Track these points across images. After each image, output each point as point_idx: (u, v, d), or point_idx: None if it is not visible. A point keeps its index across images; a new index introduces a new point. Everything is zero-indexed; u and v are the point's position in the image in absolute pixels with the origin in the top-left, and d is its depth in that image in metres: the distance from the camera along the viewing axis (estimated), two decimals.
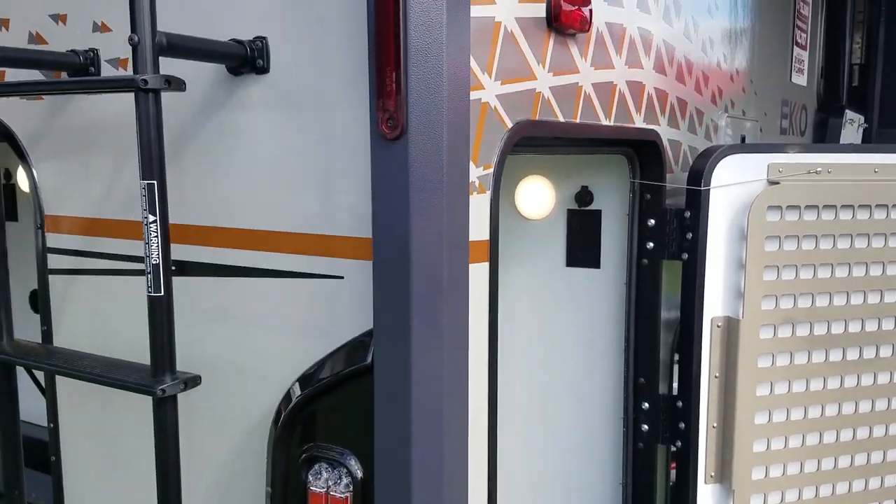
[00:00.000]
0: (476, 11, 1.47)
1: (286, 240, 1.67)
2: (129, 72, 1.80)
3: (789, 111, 4.04)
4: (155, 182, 1.44)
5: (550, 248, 2.60)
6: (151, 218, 1.45)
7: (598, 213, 2.54)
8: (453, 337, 1.50)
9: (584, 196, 2.55)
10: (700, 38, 2.67)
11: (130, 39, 1.40)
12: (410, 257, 1.44)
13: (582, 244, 2.58)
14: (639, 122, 2.27)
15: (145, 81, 1.39)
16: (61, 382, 2.07)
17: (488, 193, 1.57)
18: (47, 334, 2.07)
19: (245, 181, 1.69)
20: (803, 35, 4.16)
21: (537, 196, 2.57)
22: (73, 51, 1.87)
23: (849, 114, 4.82)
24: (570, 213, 2.58)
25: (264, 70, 1.63)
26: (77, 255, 1.99)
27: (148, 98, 1.41)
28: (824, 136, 4.74)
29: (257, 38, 1.62)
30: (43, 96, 1.95)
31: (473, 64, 1.48)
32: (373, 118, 1.44)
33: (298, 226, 1.64)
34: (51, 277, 2.03)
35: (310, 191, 1.61)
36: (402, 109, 1.40)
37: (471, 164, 1.50)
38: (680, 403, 2.34)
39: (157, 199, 1.44)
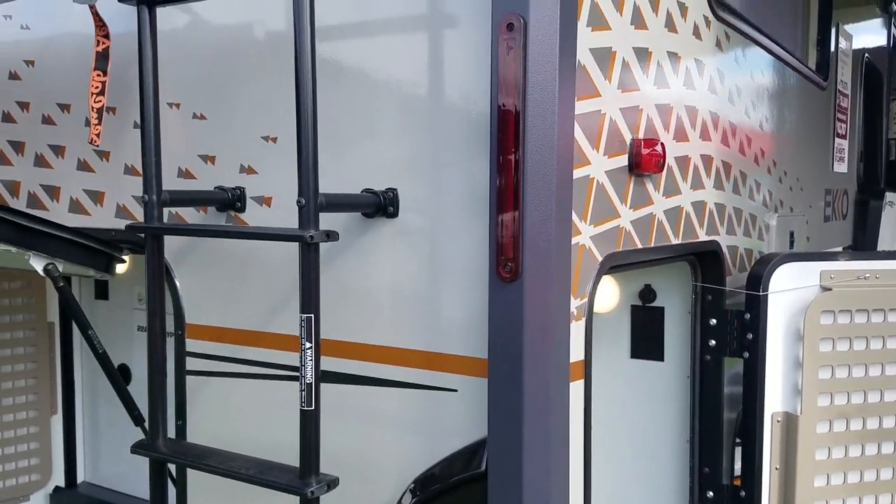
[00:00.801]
0: (577, 174, 1.76)
1: (408, 355, 1.94)
2: (272, 209, 2.13)
3: (832, 199, 4.27)
4: (312, 315, 1.73)
5: (616, 341, 2.84)
6: (308, 345, 1.73)
7: (661, 309, 2.79)
8: (557, 445, 1.75)
9: (648, 293, 2.80)
10: (753, 151, 2.95)
11: (298, 202, 1.71)
12: (523, 378, 1.70)
13: (646, 338, 2.82)
14: (701, 235, 2.53)
15: (312, 237, 1.69)
16: (192, 474, 2.34)
17: (584, 320, 1.84)
18: (181, 429, 2.35)
19: (373, 304, 1.98)
20: (843, 126, 4.42)
21: (604, 293, 2.83)
22: (220, 187, 2.20)
23: (889, 196, 5.03)
24: (634, 308, 2.83)
25: (394, 215, 1.93)
26: (212, 359, 2.29)
27: (310, 249, 1.71)
28: (865, 216, 4.95)
29: (389, 189, 1.93)
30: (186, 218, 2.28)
31: (574, 215, 1.76)
32: (491, 262, 1.72)
33: (419, 344, 1.92)
34: (188, 378, 2.33)
35: (429, 314, 1.89)
36: (518, 258, 1.68)
37: (571, 297, 1.78)
38: (743, 493, 2.54)
39: (314, 330, 1.73)
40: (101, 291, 3.99)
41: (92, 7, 2.22)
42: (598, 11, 1.82)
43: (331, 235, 1.75)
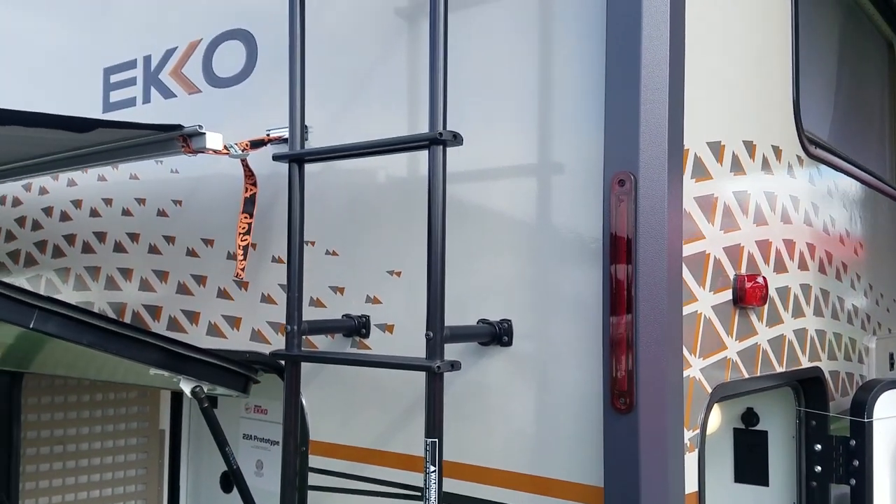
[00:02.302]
0: (686, 310, 1.89)
1: (521, 479, 2.05)
2: (394, 335, 2.32)
3: None
4: (437, 440, 1.88)
5: (719, 464, 2.85)
6: (432, 468, 1.87)
7: (764, 434, 2.80)
8: None
9: (750, 417, 2.83)
10: (849, 276, 3.01)
11: (427, 335, 1.89)
12: None
13: (750, 462, 2.83)
14: (804, 361, 2.58)
15: (438, 367, 1.86)
16: None
17: (696, 452, 1.92)
18: None
19: (488, 428, 2.11)
20: None
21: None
22: (347, 315, 2.42)
23: None
24: (737, 432, 2.85)
25: (508, 344, 2.09)
26: (334, 475, 2.44)
27: (436, 377, 1.87)
28: None
29: (504, 319, 2.10)
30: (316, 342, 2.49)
31: (685, 350, 1.88)
32: (606, 395, 1.85)
33: (533, 469, 2.03)
34: (310, 493, 2.48)
35: (543, 440, 2.01)
36: (633, 391, 1.80)
37: (684, 429, 1.87)
38: None
39: (438, 454, 1.87)
40: (211, 400, 4.25)
41: (244, 160, 2.54)
42: (701, 164, 2.00)
43: (455, 365, 1.91)
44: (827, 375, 2.71)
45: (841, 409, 2.74)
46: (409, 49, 2.37)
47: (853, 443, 2.58)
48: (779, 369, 2.39)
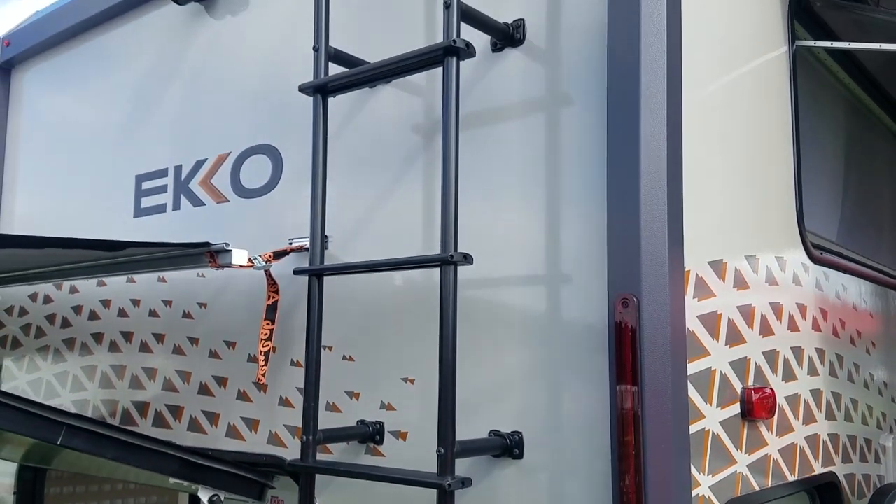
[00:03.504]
0: (693, 429, 1.94)
1: None
2: (407, 442, 2.37)
3: None
4: None
5: None
6: None
7: None
8: None
9: None
10: (861, 376, 3.02)
11: (438, 451, 1.94)
12: None
13: None
14: (817, 467, 2.59)
15: (450, 485, 1.90)
16: None
17: None
18: None
19: None
20: None
21: None
22: (362, 421, 2.48)
23: None
24: None
25: (519, 456, 2.13)
26: None
27: (446, 496, 1.92)
28: None
29: (514, 431, 2.15)
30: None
31: (693, 469, 1.92)
32: None
33: None
34: None
35: None
36: None
37: None
38: None
39: None
40: None
41: (266, 271, 2.66)
42: (703, 283, 2.07)
43: (465, 482, 1.96)
44: (842, 479, 2.70)
45: None
46: (425, 163, 2.49)
47: None
48: (791, 478, 2.40)
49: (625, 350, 1.89)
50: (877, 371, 3.21)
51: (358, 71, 2.31)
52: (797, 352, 2.53)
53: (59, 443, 1.95)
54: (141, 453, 2.09)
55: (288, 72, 2.87)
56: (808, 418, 2.56)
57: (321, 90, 2.37)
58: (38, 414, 1.93)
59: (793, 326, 2.52)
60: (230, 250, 2.46)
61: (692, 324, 2.00)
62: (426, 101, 2.51)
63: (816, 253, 2.75)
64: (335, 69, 2.40)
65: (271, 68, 2.96)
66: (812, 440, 2.57)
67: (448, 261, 2.00)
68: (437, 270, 2.34)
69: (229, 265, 2.48)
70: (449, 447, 1.94)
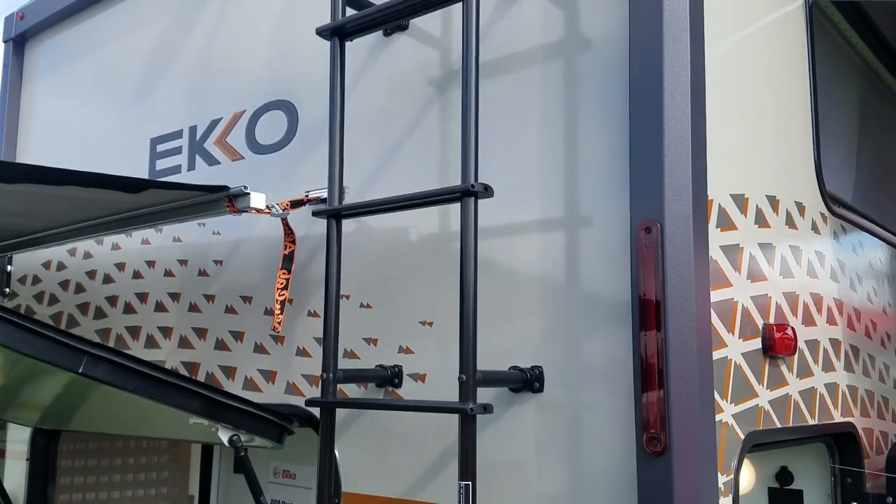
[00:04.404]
0: (716, 355, 1.93)
1: None
2: (426, 384, 2.37)
3: None
4: (470, 483, 1.90)
5: None
6: None
7: (799, 493, 2.76)
8: None
9: (785, 476, 2.80)
10: (879, 335, 3.01)
11: (460, 378, 1.94)
12: None
13: None
14: (836, 416, 2.57)
15: (472, 409, 1.90)
16: None
17: (730, 497, 1.92)
18: None
19: (519, 474, 2.13)
20: None
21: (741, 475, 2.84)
22: (380, 366, 2.47)
23: None
24: (772, 491, 2.81)
25: (539, 390, 2.13)
26: None
27: (469, 420, 1.91)
28: None
29: (534, 366, 2.15)
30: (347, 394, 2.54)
31: (716, 394, 1.91)
32: (639, 437, 1.87)
33: None
34: None
35: (575, 485, 2.02)
36: (666, 433, 1.82)
37: (718, 472, 1.88)
38: None
39: (471, 497, 1.89)
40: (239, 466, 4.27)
41: (284, 219, 2.66)
42: (726, 214, 2.07)
43: (487, 408, 1.95)
44: (860, 432, 2.68)
45: (876, 467, 2.70)
46: (439, 117, 2.50)
47: (890, 500, 2.54)
48: (811, 421, 2.39)
49: (648, 275, 1.89)
50: (893, 332, 3.20)
51: (375, 10, 2.32)
52: (816, 298, 2.52)
53: (80, 371, 1.95)
54: (162, 387, 2.09)
55: (302, 26, 2.88)
56: (828, 366, 2.55)
57: (338, 33, 2.38)
58: (60, 341, 1.93)
59: (812, 273, 2.52)
60: (248, 193, 2.46)
61: (715, 252, 2.00)
62: (441, 50, 2.52)
63: (834, 206, 2.75)
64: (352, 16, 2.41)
65: (285, 24, 2.98)
66: (832, 388, 2.56)
67: (469, 191, 2.00)
68: (452, 213, 2.37)
69: (247, 209, 2.49)
70: (470, 374, 1.93)
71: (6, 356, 2.18)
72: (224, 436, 2.27)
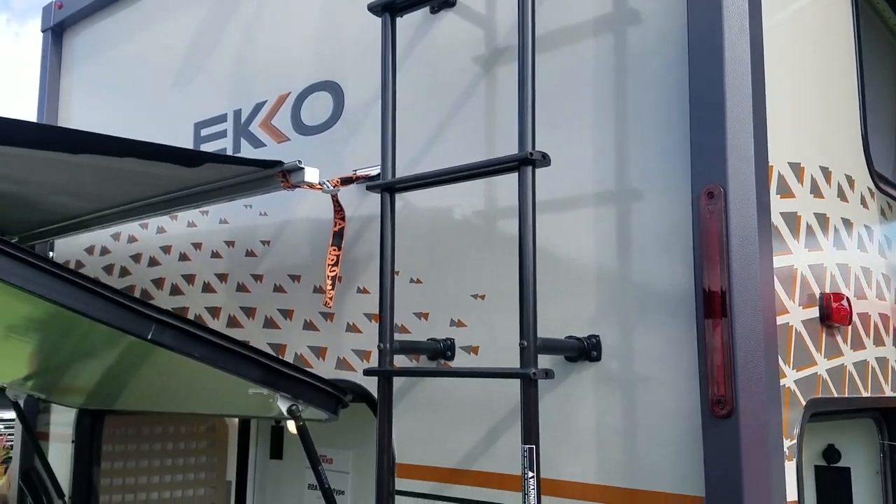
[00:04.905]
0: (779, 320, 1.94)
1: (614, 493, 2.06)
2: (479, 356, 2.39)
3: None
4: (534, 446, 1.92)
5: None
6: (530, 474, 1.91)
7: (847, 470, 2.76)
8: None
9: (832, 454, 2.80)
10: None
11: (521, 344, 1.95)
12: None
13: (833, 500, 2.78)
14: (887, 390, 2.57)
15: (534, 374, 1.92)
16: None
17: (794, 461, 1.93)
18: None
19: (576, 442, 2.14)
20: None
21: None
22: (433, 339, 2.50)
23: None
24: (819, 469, 2.81)
25: (597, 359, 2.14)
26: (419, 497, 2.47)
27: (531, 385, 1.93)
28: None
29: (591, 335, 2.16)
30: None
31: (780, 360, 1.92)
32: (703, 400, 1.88)
33: (625, 481, 2.04)
34: None
35: (639, 454, 2.03)
36: (731, 395, 1.84)
37: (782, 436, 1.89)
38: None
39: (536, 460, 1.91)
40: (276, 451, 4.30)
41: (334, 196, 2.69)
42: (785, 182, 2.08)
43: (549, 373, 1.97)
44: None
45: None
46: (485, 93, 2.52)
47: None
48: (864, 394, 2.39)
49: (711, 239, 1.90)
50: None
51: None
52: (866, 272, 2.52)
53: (149, 337, 1.98)
54: (227, 355, 2.12)
55: (346, 6, 2.92)
56: (878, 340, 2.55)
57: (389, 8, 2.41)
58: (131, 307, 1.96)
59: (862, 247, 2.53)
60: (303, 168, 2.49)
61: (776, 219, 2.01)
62: (487, 26, 2.54)
63: (880, 182, 2.75)
64: None
65: (328, 5, 3.01)
66: (882, 363, 2.56)
67: (528, 159, 2.01)
68: (502, 184, 2.39)
69: (301, 184, 2.52)
70: (531, 340, 1.95)
71: (70, 325, 2.22)
72: (283, 405, 2.30)
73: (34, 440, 3.70)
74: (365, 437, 3.62)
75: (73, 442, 3.69)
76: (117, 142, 2.20)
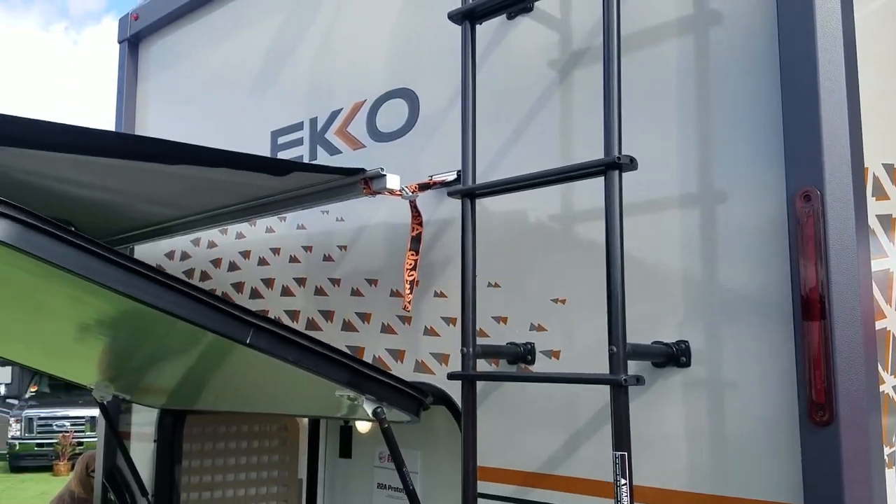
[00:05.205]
0: (877, 325, 1.90)
1: (705, 501, 2.04)
2: (560, 361, 2.39)
3: None
4: (625, 453, 1.91)
5: None
6: (623, 481, 1.90)
7: None
8: None
9: None
10: None
11: (610, 349, 1.95)
12: None
13: None
14: None
15: (625, 380, 1.92)
16: None
17: (894, 469, 1.88)
18: None
19: (665, 448, 2.13)
20: None
21: None
22: (512, 343, 2.51)
23: None
24: None
25: (686, 365, 2.13)
26: (500, 500, 2.48)
27: (621, 391, 1.93)
28: None
29: (680, 340, 2.15)
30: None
31: (879, 367, 1.88)
32: (802, 407, 1.85)
33: (721, 489, 2.02)
34: None
35: (733, 461, 2.01)
36: (831, 401, 1.80)
37: (882, 444, 1.85)
38: None
39: (628, 467, 1.91)
40: (345, 450, 4.37)
41: (412, 202, 2.73)
42: (880, 183, 2.04)
43: (640, 380, 1.96)
44: None
45: None
46: (562, 99, 2.52)
47: None
48: None
49: (808, 243, 1.87)
50: None
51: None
52: None
53: (248, 342, 2.04)
54: (318, 358, 2.17)
55: (423, 13, 2.95)
56: None
57: (469, 16, 2.43)
58: (231, 313, 2.03)
59: None
60: (385, 175, 2.54)
61: (872, 222, 1.97)
62: (563, 32, 2.55)
63: None
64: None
65: (404, 13, 3.05)
66: None
67: (615, 163, 2.01)
68: (581, 189, 2.38)
69: (383, 190, 2.56)
70: (621, 346, 1.95)
71: (162, 329, 2.30)
72: (369, 408, 2.34)
73: (119, 440, 3.84)
74: (433, 437, 3.65)
75: (154, 441, 3.81)
76: (210, 152, 2.27)
